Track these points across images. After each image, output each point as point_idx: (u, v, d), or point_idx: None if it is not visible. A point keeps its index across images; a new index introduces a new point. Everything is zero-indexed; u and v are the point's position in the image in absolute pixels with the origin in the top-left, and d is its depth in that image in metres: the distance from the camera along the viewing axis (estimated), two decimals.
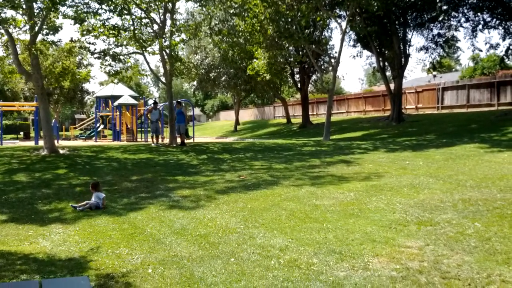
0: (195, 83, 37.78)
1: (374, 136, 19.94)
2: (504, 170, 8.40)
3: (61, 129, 36.71)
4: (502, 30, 21.33)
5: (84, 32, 16.31)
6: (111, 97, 29.18)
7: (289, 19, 20.32)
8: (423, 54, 57.85)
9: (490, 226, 4.95)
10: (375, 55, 24.15)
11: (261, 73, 23.24)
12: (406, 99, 27.92)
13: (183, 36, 17.85)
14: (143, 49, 17.31)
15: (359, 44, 25.88)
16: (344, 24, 20.79)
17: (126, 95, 27.53)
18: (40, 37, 14.57)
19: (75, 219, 6.36)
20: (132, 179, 9.61)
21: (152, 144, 17.79)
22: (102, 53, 17.02)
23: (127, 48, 18.59)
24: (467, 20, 22.36)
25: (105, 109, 30.44)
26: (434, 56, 25.40)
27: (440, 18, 22.17)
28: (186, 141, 18.52)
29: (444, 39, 24.35)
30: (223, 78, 32.91)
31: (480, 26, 21.74)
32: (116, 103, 25.96)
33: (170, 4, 17.35)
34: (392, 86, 24.47)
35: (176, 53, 17.53)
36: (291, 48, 26.50)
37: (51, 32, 14.68)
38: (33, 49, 13.55)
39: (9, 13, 13.95)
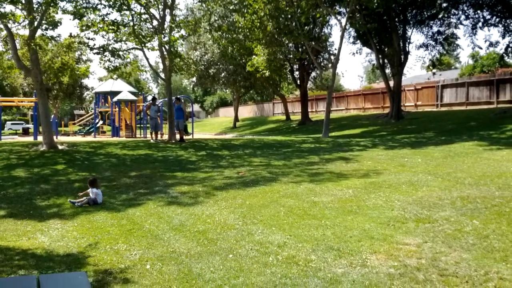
0: (194, 79, 37.72)
1: (373, 133, 19.95)
2: (503, 168, 8.41)
3: (60, 124, 36.66)
4: (502, 28, 21.32)
5: (84, 28, 16.26)
6: (110, 93, 29.13)
7: (289, 16, 20.28)
8: (423, 52, 57.65)
9: (488, 224, 4.96)
10: (374, 52, 24.12)
11: (260, 70, 23.20)
12: (406, 96, 27.91)
13: (183, 32, 17.79)
14: (143, 44, 17.26)
15: (358, 41, 25.84)
16: (344, 21, 20.75)
17: (125, 91, 27.47)
18: (39, 32, 14.53)
19: (73, 215, 6.36)
20: (130, 175, 9.60)
21: (151, 140, 17.78)
22: (101, 49, 16.98)
23: (126, 44, 18.59)
24: (467, 18, 22.35)
25: (104, 105, 30.39)
26: (433, 54, 25.42)
27: (440, 16, 22.14)
28: (185, 137, 18.52)
29: (443, 36, 24.34)
30: (223, 74, 32.87)
31: (480, 24, 21.74)
32: (115, 99, 25.90)
33: (170, 0, 17.30)
34: (391, 83, 24.46)
35: (176, 49, 17.49)
36: (290, 44, 26.46)
37: (50, 27, 14.65)
38: (32, 44, 13.50)
39: (8, 8, 13.89)
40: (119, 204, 6.97)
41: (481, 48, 29.82)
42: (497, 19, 21.11)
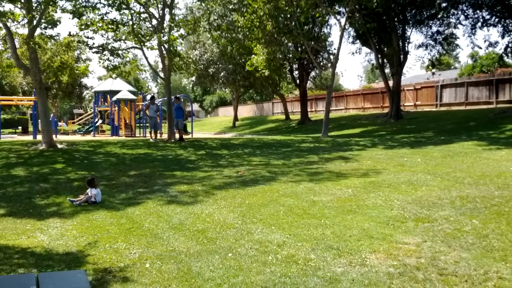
0: (193, 78, 37.67)
1: (373, 133, 19.95)
2: (502, 167, 8.42)
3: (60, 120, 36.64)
4: (501, 28, 21.33)
5: (83, 27, 16.23)
6: (109, 92, 29.10)
7: (288, 15, 20.27)
8: (422, 51, 57.75)
9: (488, 223, 4.96)
10: (374, 52, 24.11)
11: (260, 69, 23.18)
12: (405, 96, 27.92)
13: (182, 31, 17.79)
14: (142, 44, 17.25)
15: (358, 40, 25.84)
16: (343, 20, 20.74)
17: (124, 90, 27.43)
18: (38, 31, 14.50)
19: (73, 214, 6.36)
20: (130, 174, 9.60)
21: (151, 140, 17.77)
22: (101, 48, 16.96)
23: (125, 43, 18.59)
24: (466, 18, 22.37)
25: (103, 104, 30.36)
26: (433, 54, 25.43)
27: (439, 15, 22.16)
28: (184, 136, 18.51)
29: (443, 36, 24.34)
30: (222, 73, 32.84)
31: (479, 24, 21.75)
32: (114, 98, 25.87)
33: None
34: (391, 83, 24.45)
35: (175, 48, 17.48)
36: (290, 44, 26.46)
37: (50, 26, 14.63)
38: (31, 43, 13.48)
39: (7, 6, 13.85)
40: (118, 203, 6.97)
41: (480, 48, 29.93)
42: (497, 19, 21.13)
